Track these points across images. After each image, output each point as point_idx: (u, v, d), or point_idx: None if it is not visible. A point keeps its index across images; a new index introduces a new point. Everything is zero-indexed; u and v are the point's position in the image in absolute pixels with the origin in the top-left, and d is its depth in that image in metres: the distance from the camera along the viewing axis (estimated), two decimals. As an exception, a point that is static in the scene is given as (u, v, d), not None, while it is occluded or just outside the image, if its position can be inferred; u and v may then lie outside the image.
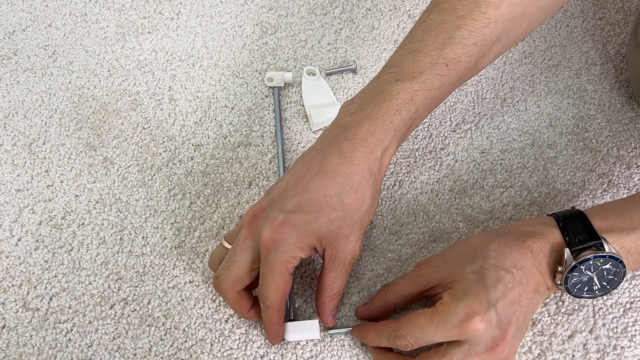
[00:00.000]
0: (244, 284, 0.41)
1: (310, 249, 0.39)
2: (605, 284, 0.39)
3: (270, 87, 0.56)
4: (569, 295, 0.41)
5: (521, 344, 0.43)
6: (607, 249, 0.38)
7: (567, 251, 0.38)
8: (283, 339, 0.43)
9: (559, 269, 0.38)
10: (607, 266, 0.38)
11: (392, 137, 0.41)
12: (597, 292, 0.40)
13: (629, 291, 0.45)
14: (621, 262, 0.38)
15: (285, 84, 0.56)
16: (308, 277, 0.46)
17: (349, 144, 0.40)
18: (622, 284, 0.41)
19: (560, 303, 0.44)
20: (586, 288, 0.39)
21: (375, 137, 0.40)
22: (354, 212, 0.40)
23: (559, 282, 0.39)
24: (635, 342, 0.43)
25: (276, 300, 0.39)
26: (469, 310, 0.37)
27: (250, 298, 0.42)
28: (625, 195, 0.49)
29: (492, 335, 0.37)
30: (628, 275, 0.45)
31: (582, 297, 0.40)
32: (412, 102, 0.41)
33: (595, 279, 0.39)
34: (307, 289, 0.46)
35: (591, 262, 0.38)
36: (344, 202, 0.39)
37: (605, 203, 0.47)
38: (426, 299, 0.44)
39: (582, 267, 0.38)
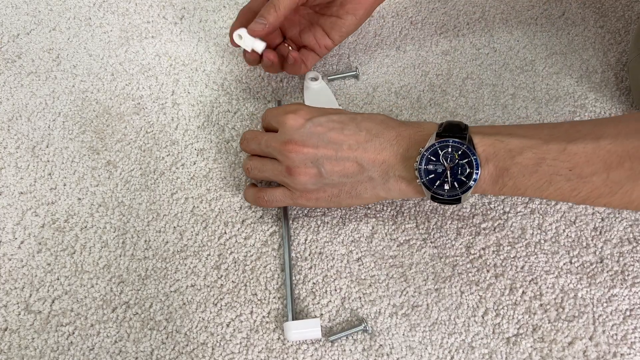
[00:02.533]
0: None
1: None
2: (456, 184, 0.40)
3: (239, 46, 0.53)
4: (428, 197, 0.41)
5: (521, 350, 0.43)
6: (466, 141, 0.39)
7: (433, 135, 0.40)
8: (286, 337, 0.43)
9: (421, 149, 0.40)
10: (463, 162, 0.39)
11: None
12: (446, 190, 0.40)
13: (628, 298, 0.45)
14: (476, 159, 0.39)
15: (252, 50, 0.52)
16: (310, 282, 0.46)
17: None
18: (469, 196, 0.40)
19: (561, 310, 0.44)
20: (437, 183, 0.40)
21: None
22: None
23: (416, 164, 0.40)
24: (635, 349, 0.43)
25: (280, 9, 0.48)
26: (294, 109, 0.44)
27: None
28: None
29: (292, 136, 0.43)
30: (627, 283, 0.45)
31: (434, 195, 0.41)
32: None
33: (449, 174, 0.40)
34: (309, 293, 0.46)
35: (449, 150, 0.39)
36: None
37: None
38: None
39: (440, 151, 0.40)
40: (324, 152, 0.42)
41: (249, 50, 0.51)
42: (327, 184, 0.43)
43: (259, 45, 0.50)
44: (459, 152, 0.39)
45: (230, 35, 0.51)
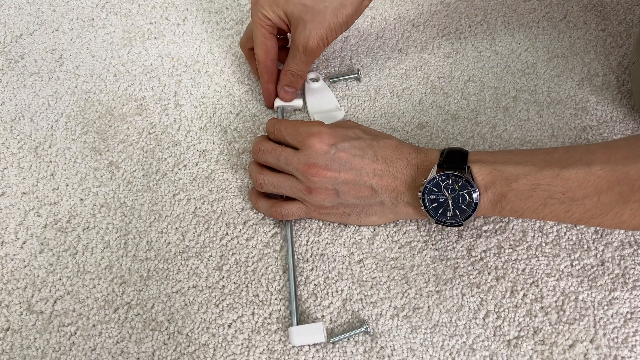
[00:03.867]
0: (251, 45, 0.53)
1: (278, 18, 0.49)
2: (457, 212, 0.43)
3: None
4: (432, 221, 0.44)
5: (522, 352, 0.43)
6: (466, 173, 0.42)
7: (435, 167, 0.43)
8: (291, 342, 0.43)
9: (424, 180, 0.43)
10: (464, 193, 0.42)
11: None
12: (449, 217, 0.43)
13: (629, 301, 0.45)
14: (475, 190, 0.42)
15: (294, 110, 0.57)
16: (311, 284, 0.47)
17: None
18: (471, 220, 0.43)
19: (562, 312, 0.45)
20: (440, 210, 0.43)
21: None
22: (326, 5, 0.47)
23: (420, 194, 0.43)
24: (635, 352, 0.43)
25: (262, 55, 0.51)
26: (318, 132, 0.45)
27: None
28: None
29: (317, 160, 0.44)
30: (627, 286, 0.45)
31: (437, 221, 0.44)
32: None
33: (450, 203, 0.43)
34: (310, 296, 0.46)
35: (450, 182, 0.42)
36: None
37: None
38: None
39: (441, 183, 0.42)
40: (345, 176, 0.44)
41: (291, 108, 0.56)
42: (341, 204, 0.46)
43: (298, 103, 0.55)
44: (459, 184, 0.42)
45: (270, 104, 0.56)
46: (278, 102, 0.55)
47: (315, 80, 0.57)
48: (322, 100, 0.56)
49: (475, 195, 0.42)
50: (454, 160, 0.43)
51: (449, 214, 0.43)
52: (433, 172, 0.43)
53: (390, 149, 0.45)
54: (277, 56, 0.53)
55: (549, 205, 0.41)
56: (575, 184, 0.39)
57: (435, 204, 0.43)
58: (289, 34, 0.57)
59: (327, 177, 0.44)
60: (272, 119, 0.50)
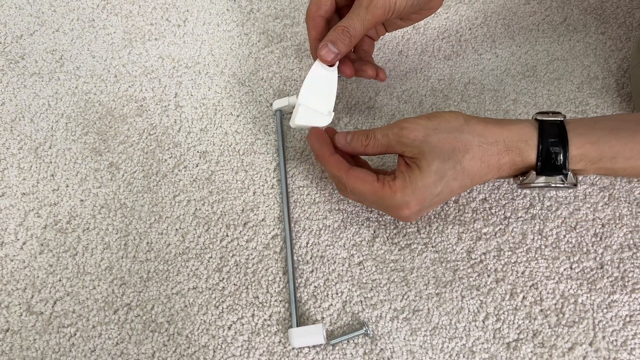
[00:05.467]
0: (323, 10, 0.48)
1: None
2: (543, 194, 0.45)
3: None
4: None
5: (521, 355, 0.43)
6: (566, 182, 0.40)
7: (533, 174, 0.41)
8: (291, 344, 0.43)
9: (521, 178, 0.42)
10: (561, 186, 0.41)
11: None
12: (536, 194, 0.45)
13: (628, 304, 0.45)
14: (576, 185, 0.41)
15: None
16: (311, 286, 0.47)
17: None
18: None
19: (561, 315, 0.45)
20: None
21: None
22: None
23: (515, 185, 0.44)
24: (635, 355, 0.43)
25: (312, 8, 0.47)
26: (405, 204, 0.41)
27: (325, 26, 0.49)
28: (622, 209, 0.50)
29: (410, 218, 0.43)
30: (627, 289, 0.46)
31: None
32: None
33: (541, 194, 0.47)
34: (310, 297, 0.46)
35: (546, 188, 0.41)
36: None
37: (590, 120, 0.43)
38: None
39: (538, 187, 0.41)
40: (432, 206, 0.44)
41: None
42: (426, 210, 0.44)
43: (293, 100, 0.51)
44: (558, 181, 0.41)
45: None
46: (276, 105, 0.54)
47: (331, 65, 0.48)
48: (320, 96, 0.48)
49: (573, 189, 0.42)
50: (553, 167, 0.40)
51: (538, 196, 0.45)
52: (532, 178, 0.41)
53: (476, 165, 0.41)
54: (331, 16, 0.48)
55: None
56: None
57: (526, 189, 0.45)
58: None
59: (415, 212, 0.43)
60: (332, 166, 0.44)
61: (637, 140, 0.39)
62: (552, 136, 0.40)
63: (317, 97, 0.48)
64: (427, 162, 0.41)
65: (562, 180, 0.40)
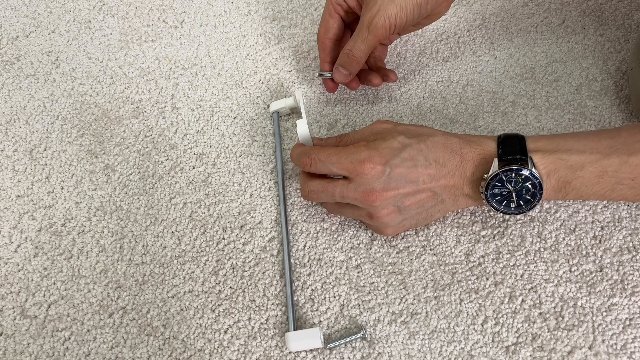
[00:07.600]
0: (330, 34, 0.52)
1: None
2: (522, 202, 0.43)
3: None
4: (491, 209, 0.45)
5: (520, 359, 0.43)
6: (529, 166, 0.41)
7: (495, 161, 0.42)
8: (288, 348, 0.43)
9: (485, 176, 0.42)
10: (527, 185, 0.41)
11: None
12: (513, 209, 0.43)
13: (628, 308, 0.45)
14: (539, 182, 0.41)
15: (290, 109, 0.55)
16: (309, 289, 0.46)
17: None
18: (536, 207, 0.45)
19: (560, 318, 0.44)
20: (504, 202, 0.43)
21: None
22: None
23: (481, 189, 0.42)
24: (634, 358, 0.43)
25: (321, 32, 0.52)
26: (367, 157, 0.42)
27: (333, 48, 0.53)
28: (622, 211, 0.49)
29: (373, 186, 0.42)
30: (626, 292, 0.45)
31: (498, 211, 0.44)
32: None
33: (514, 195, 0.42)
34: (307, 301, 0.46)
35: (513, 176, 0.41)
36: None
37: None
38: None
39: (504, 177, 0.41)
40: (404, 191, 0.43)
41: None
42: (405, 219, 0.45)
43: (290, 101, 0.54)
44: (522, 177, 0.41)
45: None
46: (273, 107, 0.54)
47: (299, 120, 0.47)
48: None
49: (539, 184, 0.41)
50: (514, 151, 0.42)
51: (512, 205, 0.43)
52: (495, 167, 0.42)
53: (439, 148, 0.43)
54: (340, 37, 0.52)
55: (617, 190, 0.41)
56: None
57: (498, 197, 0.43)
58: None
59: (387, 197, 0.43)
60: (298, 147, 0.46)
61: (589, 138, 0.42)
62: (510, 137, 0.43)
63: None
64: (392, 137, 0.44)
65: (522, 165, 0.41)
